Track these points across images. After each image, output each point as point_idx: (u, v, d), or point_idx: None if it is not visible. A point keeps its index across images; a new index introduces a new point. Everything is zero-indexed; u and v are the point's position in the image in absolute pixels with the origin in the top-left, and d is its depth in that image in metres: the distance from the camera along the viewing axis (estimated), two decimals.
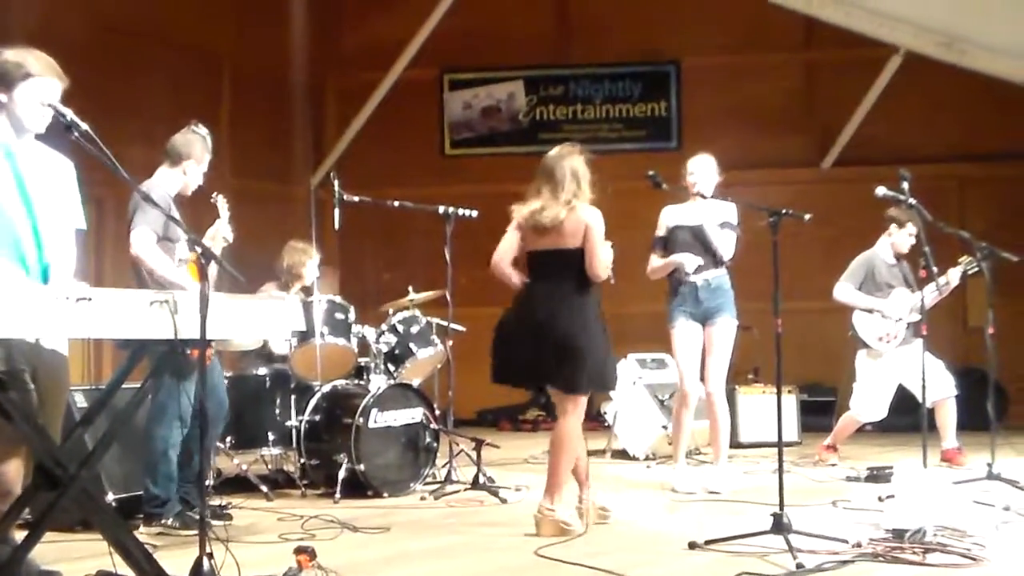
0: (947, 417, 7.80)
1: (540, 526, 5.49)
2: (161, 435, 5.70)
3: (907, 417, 7.95)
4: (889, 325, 7.71)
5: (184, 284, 5.44)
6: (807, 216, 5.43)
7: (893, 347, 7.71)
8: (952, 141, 11.77)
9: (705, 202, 6.75)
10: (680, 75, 12.56)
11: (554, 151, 5.74)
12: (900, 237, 7.83)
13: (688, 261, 6.77)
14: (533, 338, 5.46)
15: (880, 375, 7.76)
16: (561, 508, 5.55)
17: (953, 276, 7.62)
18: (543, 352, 5.44)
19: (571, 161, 5.66)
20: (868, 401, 7.79)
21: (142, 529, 5.58)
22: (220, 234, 6.01)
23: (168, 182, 5.84)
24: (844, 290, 7.88)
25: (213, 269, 5.30)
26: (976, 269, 7.41)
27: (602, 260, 5.51)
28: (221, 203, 6.11)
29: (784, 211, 5.34)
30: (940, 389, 7.64)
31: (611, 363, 5.65)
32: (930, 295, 7.18)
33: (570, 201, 5.53)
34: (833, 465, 7.86)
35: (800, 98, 12.36)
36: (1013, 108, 11.05)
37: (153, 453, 5.70)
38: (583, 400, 5.59)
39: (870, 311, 7.76)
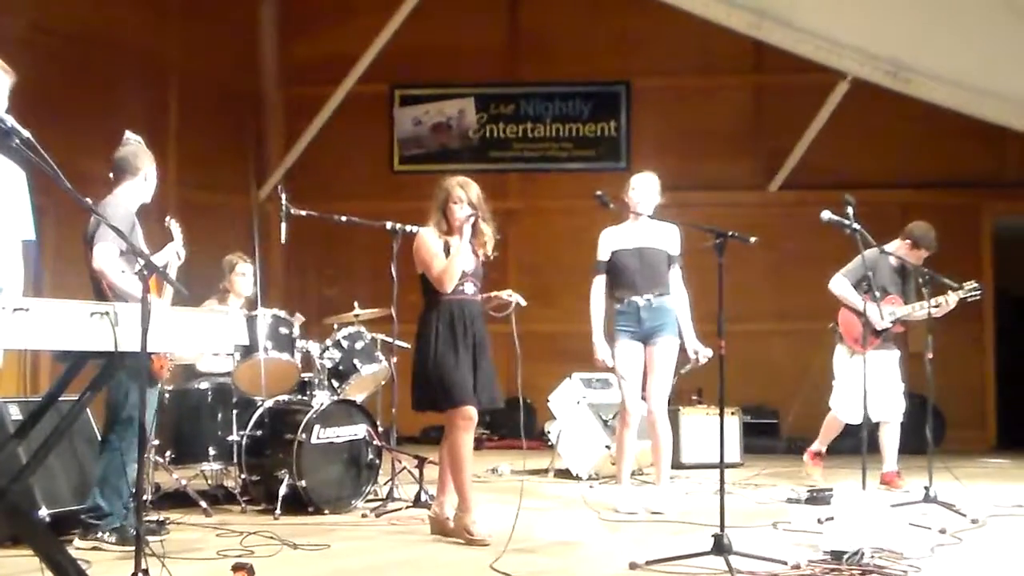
0: (889, 440, 7.86)
1: (437, 525, 5.99)
2: (123, 447, 5.63)
3: (848, 439, 8.03)
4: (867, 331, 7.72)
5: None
6: (753, 239, 5.45)
7: (868, 349, 7.71)
8: (896, 168, 11.94)
9: (647, 222, 6.77)
10: (630, 95, 12.63)
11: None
12: (908, 253, 7.77)
13: (601, 354, 6.88)
14: None
15: (856, 373, 7.72)
16: (470, 514, 5.82)
17: (951, 299, 7.56)
18: None
19: (438, 188, 6.02)
20: (846, 400, 7.80)
21: (76, 543, 5.47)
22: (174, 252, 6.01)
23: (131, 196, 5.84)
24: (840, 284, 7.86)
25: (169, 289, 5.35)
26: (976, 296, 7.37)
27: (430, 271, 5.83)
28: (174, 227, 6.10)
29: (730, 233, 5.37)
30: (889, 411, 7.69)
31: (442, 382, 5.75)
32: (921, 313, 7.19)
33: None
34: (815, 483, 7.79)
35: (748, 121, 12.48)
36: (956, 136, 11.25)
37: (110, 464, 5.60)
38: (452, 416, 5.78)
39: (858, 313, 7.74)
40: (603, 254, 6.96)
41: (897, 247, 7.80)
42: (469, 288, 5.91)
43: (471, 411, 5.77)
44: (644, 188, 6.85)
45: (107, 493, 5.59)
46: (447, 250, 5.84)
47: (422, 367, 5.79)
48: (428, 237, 5.90)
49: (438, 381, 5.74)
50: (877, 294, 7.60)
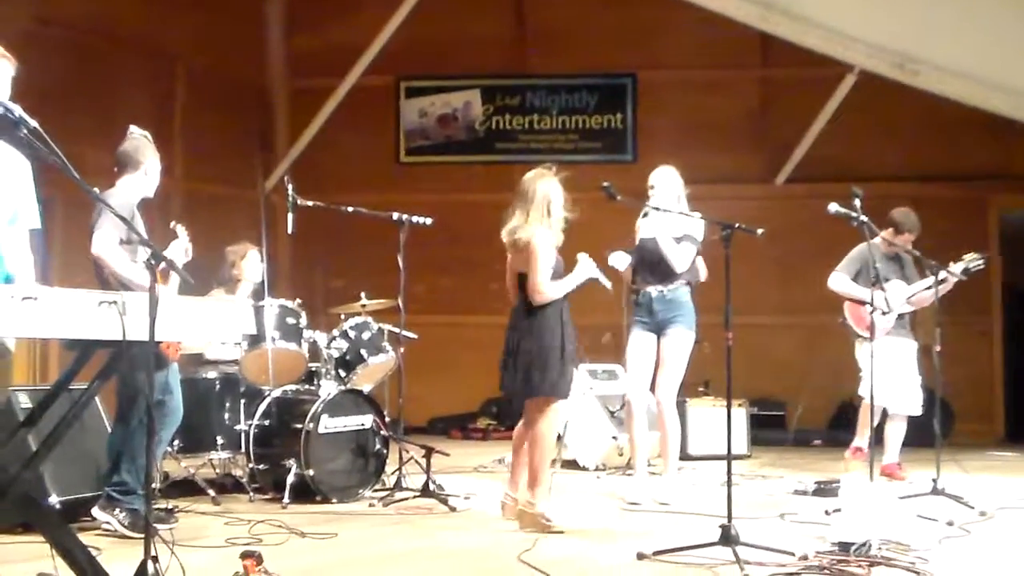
0: (895, 433, 7.76)
1: (521, 518, 5.80)
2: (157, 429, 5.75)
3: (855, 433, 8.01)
4: (876, 317, 7.63)
5: (147, 284, 5.39)
6: (760, 230, 5.46)
7: (880, 335, 7.63)
8: (904, 160, 11.90)
9: (665, 214, 6.76)
10: (636, 88, 12.61)
11: (531, 173, 6.09)
12: (895, 239, 7.74)
13: (614, 261, 6.88)
14: (504, 355, 5.96)
15: (884, 362, 7.34)
16: (542, 503, 5.81)
17: (955, 270, 7.46)
18: (506, 366, 5.94)
19: (544, 184, 6.00)
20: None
21: (94, 512, 5.60)
22: (180, 249, 6.03)
23: (131, 189, 5.90)
24: (838, 280, 7.82)
25: (175, 278, 5.41)
26: (980, 266, 7.33)
27: (534, 277, 5.81)
28: (181, 231, 6.11)
29: (736, 225, 5.37)
30: (904, 403, 7.61)
31: (557, 371, 5.83)
32: (928, 293, 7.11)
33: (531, 223, 5.88)
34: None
35: (755, 114, 12.44)
36: (964, 129, 11.20)
37: (137, 443, 5.64)
38: (548, 404, 5.85)
39: (860, 302, 7.67)
40: (637, 240, 7.01)
41: (883, 236, 7.77)
42: None
43: None
44: (660, 182, 6.89)
45: (133, 470, 5.66)
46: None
47: (552, 355, 5.82)
48: (549, 245, 5.92)
49: (566, 372, 5.88)
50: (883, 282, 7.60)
